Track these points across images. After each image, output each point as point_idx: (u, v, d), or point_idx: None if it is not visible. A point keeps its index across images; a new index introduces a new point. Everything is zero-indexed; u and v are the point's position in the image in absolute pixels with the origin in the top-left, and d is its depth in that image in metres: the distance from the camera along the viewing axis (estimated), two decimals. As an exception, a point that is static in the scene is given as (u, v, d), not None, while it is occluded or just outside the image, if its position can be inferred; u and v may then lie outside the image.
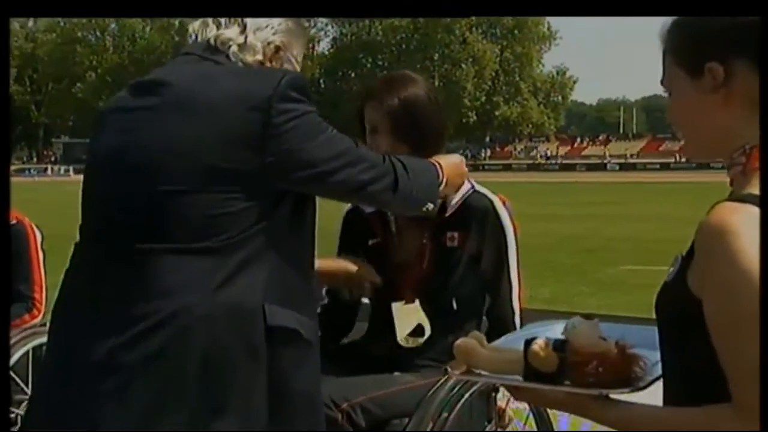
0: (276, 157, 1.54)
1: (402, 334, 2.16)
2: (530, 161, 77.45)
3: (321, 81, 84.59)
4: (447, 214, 2.16)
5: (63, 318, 1.60)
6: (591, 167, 71.45)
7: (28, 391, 3.10)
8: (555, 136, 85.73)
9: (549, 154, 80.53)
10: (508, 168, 70.84)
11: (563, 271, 10.78)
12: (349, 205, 2.27)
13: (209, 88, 1.58)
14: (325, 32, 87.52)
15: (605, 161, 73.93)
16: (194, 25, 1.75)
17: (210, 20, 1.72)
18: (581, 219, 19.06)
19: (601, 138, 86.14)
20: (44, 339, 2.91)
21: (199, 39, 1.72)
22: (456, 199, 2.15)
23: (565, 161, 76.18)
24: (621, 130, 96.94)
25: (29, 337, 3.19)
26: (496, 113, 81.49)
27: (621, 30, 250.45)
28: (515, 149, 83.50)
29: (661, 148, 79.05)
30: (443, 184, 1.85)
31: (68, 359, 1.53)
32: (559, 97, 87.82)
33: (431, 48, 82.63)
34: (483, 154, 79.44)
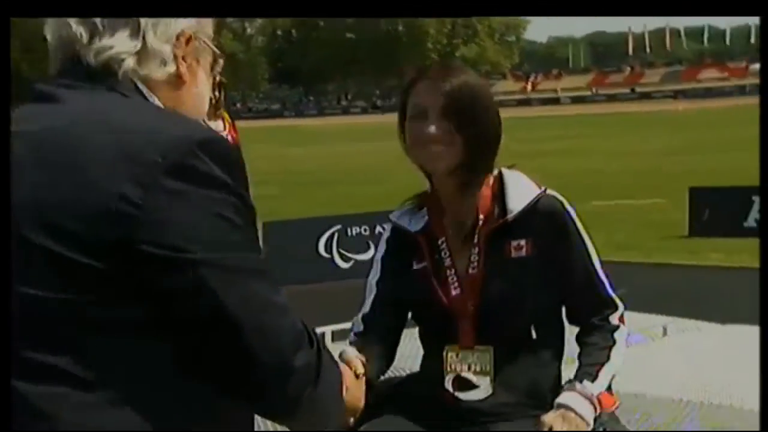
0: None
1: (452, 388, 1.71)
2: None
3: (292, 30, 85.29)
4: (508, 219, 1.72)
5: None
6: (545, 101, 73.80)
7: None
8: (511, 73, 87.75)
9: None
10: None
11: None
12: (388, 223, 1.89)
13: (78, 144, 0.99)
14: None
15: (559, 96, 76.16)
16: (56, 29, 1.11)
17: (79, 25, 1.08)
18: (541, 154, 18.66)
19: (553, 73, 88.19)
20: None
21: (71, 54, 1.09)
22: (523, 203, 1.72)
23: (521, 96, 78.15)
24: (570, 66, 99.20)
25: None
26: (456, 54, 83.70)
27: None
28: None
29: (607, 81, 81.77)
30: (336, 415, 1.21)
31: None
32: (513, 37, 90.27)
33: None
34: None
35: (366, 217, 7.14)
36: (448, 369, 1.72)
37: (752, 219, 8.05)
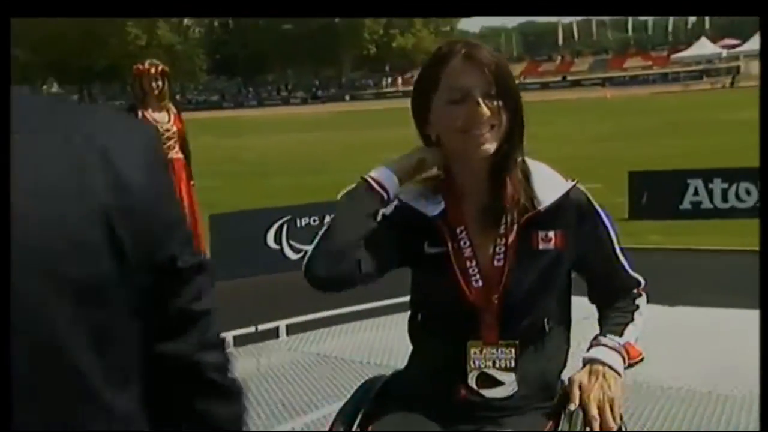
0: None
1: (476, 385, 1.59)
2: (427, 87, 79.98)
3: (229, 21, 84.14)
4: (540, 209, 1.59)
5: None
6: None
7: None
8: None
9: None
10: (409, 95, 73.02)
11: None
12: (390, 206, 1.64)
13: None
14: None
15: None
16: None
17: None
18: None
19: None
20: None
21: None
22: (555, 197, 1.60)
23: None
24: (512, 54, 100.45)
25: None
26: (393, 44, 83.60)
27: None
28: (413, 77, 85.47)
29: (539, 69, 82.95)
30: None
31: None
32: (448, 27, 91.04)
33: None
34: (384, 83, 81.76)
35: (315, 207, 7.01)
36: (472, 365, 1.60)
37: (687, 202, 8.24)
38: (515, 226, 1.60)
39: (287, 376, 4.07)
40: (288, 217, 6.73)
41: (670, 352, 3.88)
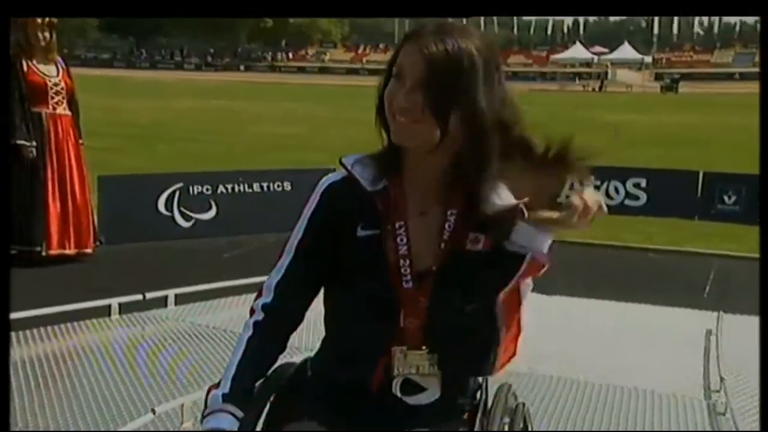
0: None
1: (400, 391, 1.45)
2: (321, 65, 79.18)
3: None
4: (474, 209, 1.39)
5: None
6: (373, 72, 74.34)
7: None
8: (342, 44, 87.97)
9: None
10: (302, 70, 72.65)
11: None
12: (332, 175, 1.50)
13: None
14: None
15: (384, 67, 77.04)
16: None
17: None
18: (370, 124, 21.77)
19: (381, 47, 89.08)
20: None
21: None
22: (496, 204, 1.37)
23: (350, 66, 78.46)
24: (395, 41, 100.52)
25: None
26: (290, 20, 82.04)
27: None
28: (307, 54, 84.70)
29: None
30: None
31: None
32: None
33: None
34: (280, 57, 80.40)
35: (209, 176, 6.71)
36: (396, 372, 1.42)
37: (563, 196, 8.38)
38: (455, 228, 1.42)
39: (174, 347, 3.82)
40: (180, 185, 6.39)
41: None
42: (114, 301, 4.26)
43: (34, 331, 3.92)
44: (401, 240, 1.42)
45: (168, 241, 6.15)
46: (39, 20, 5.34)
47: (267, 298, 1.47)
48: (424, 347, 1.43)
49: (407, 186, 1.45)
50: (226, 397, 1.38)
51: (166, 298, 4.41)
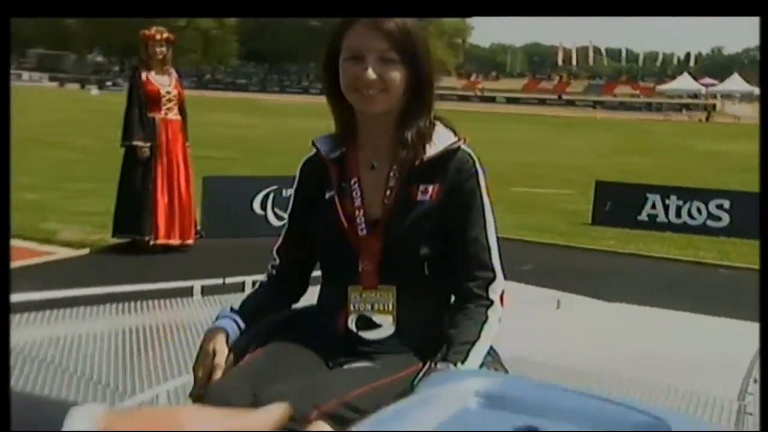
0: None
1: (356, 327, 1.54)
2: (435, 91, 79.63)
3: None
4: (421, 163, 1.52)
5: None
6: (483, 99, 74.20)
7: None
8: (455, 72, 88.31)
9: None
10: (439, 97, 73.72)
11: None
12: (309, 153, 1.65)
13: None
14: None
15: (495, 95, 76.81)
16: None
17: None
18: (476, 144, 21.37)
19: (492, 75, 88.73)
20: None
21: None
22: (436, 149, 1.52)
23: (462, 92, 78.55)
24: (507, 70, 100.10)
25: None
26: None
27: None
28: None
29: (538, 87, 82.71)
30: None
31: None
32: (460, 40, 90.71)
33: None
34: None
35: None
36: (352, 309, 1.55)
37: (645, 214, 8.17)
38: (399, 178, 1.55)
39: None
40: (275, 187, 6.61)
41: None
42: (197, 283, 4.44)
43: (131, 304, 4.15)
44: (355, 194, 1.57)
45: (259, 238, 6.34)
46: (158, 36, 5.68)
47: (274, 260, 1.71)
48: (378, 287, 1.54)
49: (360, 149, 1.61)
50: (233, 310, 1.60)
51: (243, 283, 4.55)
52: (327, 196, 1.58)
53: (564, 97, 77.87)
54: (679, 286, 5.77)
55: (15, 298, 4.02)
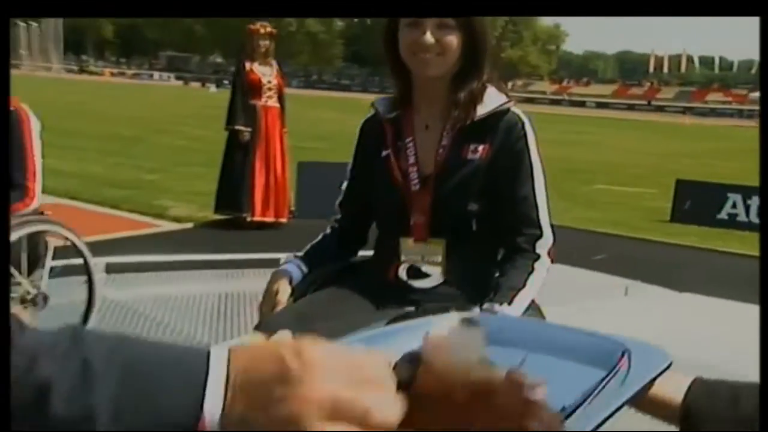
0: None
1: (406, 276, 1.54)
2: (527, 95, 78.32)
3: (368, 19, 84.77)
4: (471, 123, 1.51)
5: None
6: (574, 103, 72.26)
7: (20, 279, 2.65)
8: (548, 77, 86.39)
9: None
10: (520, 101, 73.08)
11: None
12: (369, 113, 1.66)
13: None
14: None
15: (585, 99, 74.71)
16: None
17: None
18: (564, 144, 18.45)
19: (583, 81, 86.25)
20: (36, 227, 2.67)
21: None
22: (486, 110, 1.51)
23: (554, 97, 76.74)
24: (599, 76, 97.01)
25: (22, 225, 2.60)
26: (502, 55, 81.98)
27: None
28: (515, 84, 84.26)
29: (628, 93, 79.70)
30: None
31: None
32: (554, 47, 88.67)
33: None
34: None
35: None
36: (403, 259, 1.56)
37: (725, 212, 7.73)
38: (451, 137, 1.55)
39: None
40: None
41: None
42: (282, 255, 4.49)
43: (224, 271, 4.30)
44: (410, 152, 1.58)
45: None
46: (262, 30, 5.82)
47: (336, 214, 1.74)
48: (429, 240, 1.54)
49: (415, 111, 1.61)
50: (298, 257, 1.65)
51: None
52: (383, 153, 1.59)
53: (654, 102, 74.70)
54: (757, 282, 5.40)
55: (129, 259, 4.27)
